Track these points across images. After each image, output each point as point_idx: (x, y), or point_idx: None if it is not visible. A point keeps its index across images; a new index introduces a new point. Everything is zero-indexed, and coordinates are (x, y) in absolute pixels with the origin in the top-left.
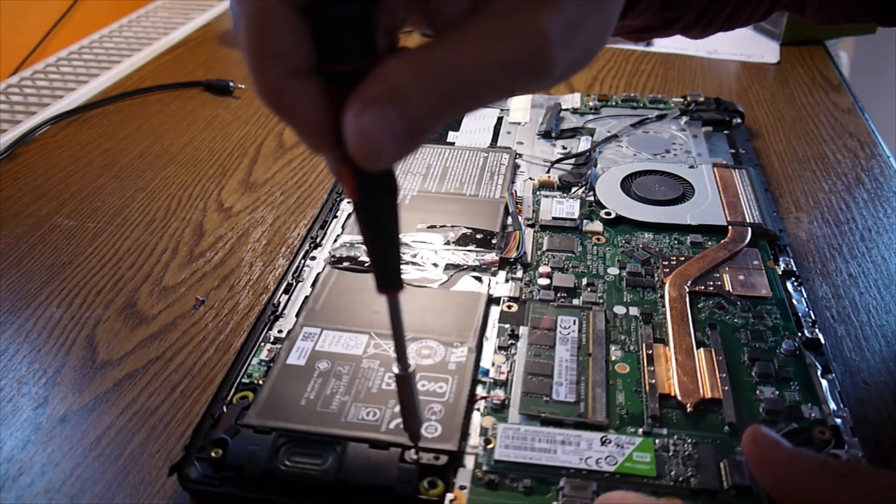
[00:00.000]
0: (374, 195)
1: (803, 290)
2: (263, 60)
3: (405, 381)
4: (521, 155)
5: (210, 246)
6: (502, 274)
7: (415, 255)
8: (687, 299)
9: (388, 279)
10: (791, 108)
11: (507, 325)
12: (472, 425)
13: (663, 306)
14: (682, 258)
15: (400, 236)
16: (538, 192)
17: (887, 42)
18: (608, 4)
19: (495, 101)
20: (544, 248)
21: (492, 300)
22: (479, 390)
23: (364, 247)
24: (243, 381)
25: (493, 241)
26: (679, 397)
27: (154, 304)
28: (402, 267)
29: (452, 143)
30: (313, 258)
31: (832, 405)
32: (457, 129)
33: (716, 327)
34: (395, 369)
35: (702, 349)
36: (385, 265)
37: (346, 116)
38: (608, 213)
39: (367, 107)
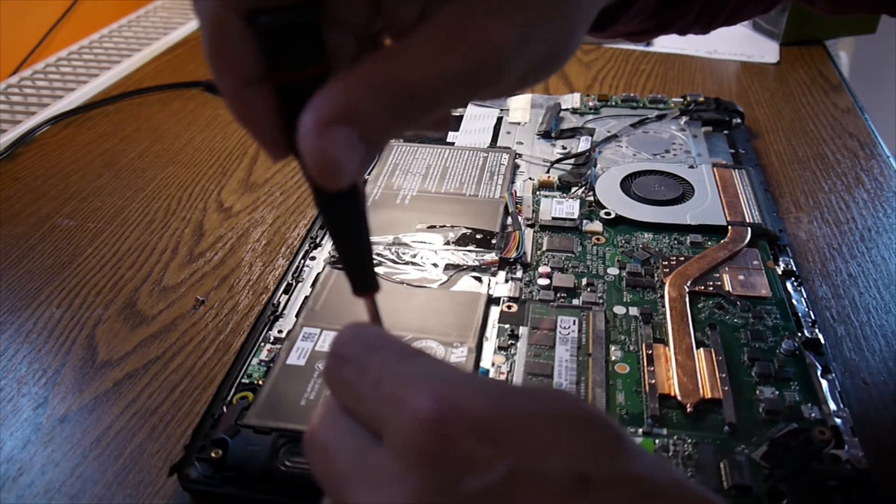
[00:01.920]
0: (337, 202)
1: (803, 290)
2: (218, 68)
3: None
4: (520, 155)
5: (210, 246)
6: (502, 274)
7: (415, 255)
8: (687, 299)
9: (363, 282)
10: (791, 108)
11: (506, 326)
12: None
13: (663, 306)
14: (682, 258)
15: (370, 238)
16: (538, 192)
17: (887, 42)
18: (569, 12)
19: (451, 108)
20: (544, 248)
21: (491, 300)
22: None
23: (336, 248)
24: (243, 381)
25: (493, 241)
26: (679, 397)
27: (154, 304)
28: (401, 266)
29: (452, 144)
30: (313, 258)
31: (832, 405)
32: (457, 129)
33: (715, 327)
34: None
35: (702, 349)
36: (358, 268)
37: (303, 137)
38: (608, 213)
39: (323, 127)
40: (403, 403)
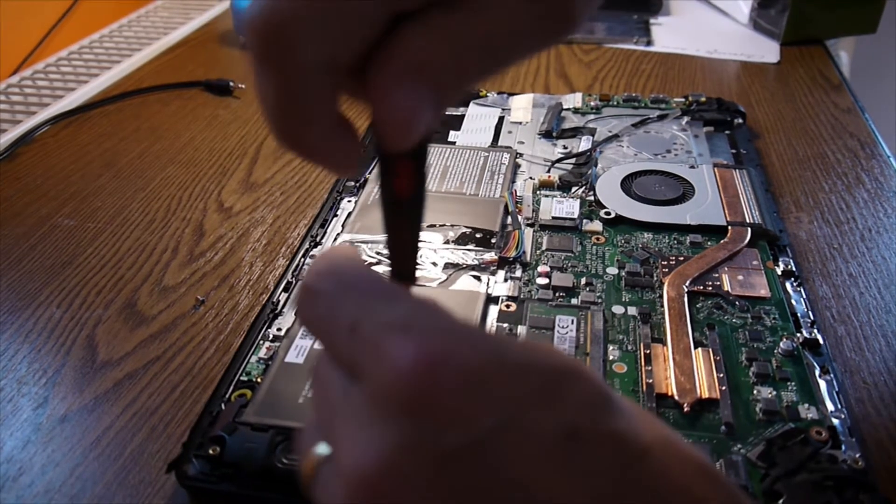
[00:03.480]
0: (424, 187)
1: (803, 290)
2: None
3: None
4: (521, 154)
5: (210, 246)
6: (501, 273)
7: None
8: (685, 299)
9: (405, 274)
10: (791, 108)
11: (505, 325)
12: None
13: (662, 306)
14: (682, 258)
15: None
16: (538, 192)
17: (887, 42)
18: None
19: (522, 60)
20: (543, 248)
21: (490, 299)
22: None
23: (390, 243)
24: (242, 378)
25: (493, 241)
26: (676, 397)
27: (154, 304)
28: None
29: (453, 143)
30: (313, 256)
31: (830, 405)
32: (457, 128)
33: (714, 327)
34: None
35: (700, 349)
36: (409, 255)
37: (376, 94)
38: (608, 213)
39: (396, 85)
40: (383, 353)
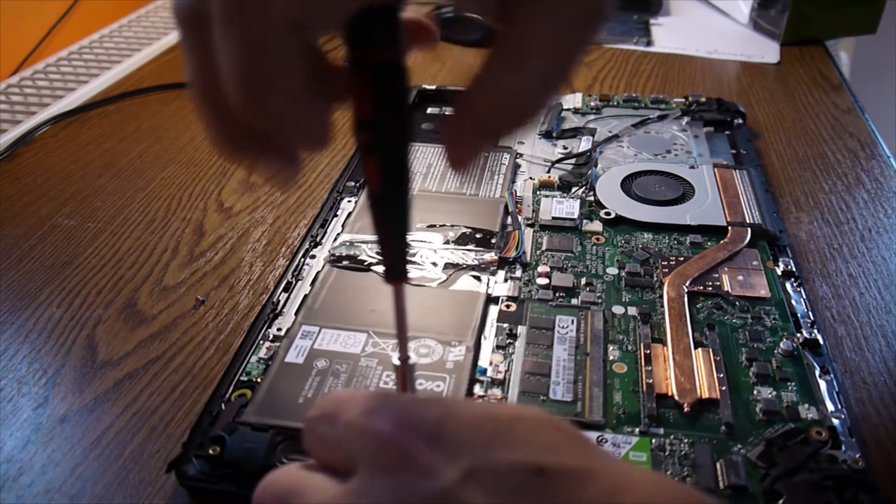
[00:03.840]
0: (397, 185)
1: (803, 290)
2: (266, 88)
3: (404, 371)
4: (521, 154)
5: (210, 246)
6: (501, 273)
7: (414, 254)
8: (686, 299)
9: (397, 270)
10: (791, 108)
11: (505, 325)
12: None
13: (662, 306)
14: (682, 258)
15: (409, 231)
16: (538, 192)
17: (887, 42)
18: None
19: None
20: (543, 248)
21: (490, 299)
22: (477, 389)
23: (377, 239)
24: (242, 378)
25: (493, 241)
26: (676, 397)
27: (154, 304)
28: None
29: None
30: (313, 256)
31: (830, 405)
32: None
33: (714, 327)
34: (396, 360)
35: (700, 349)
36: (397, 256)
37: (449, 148)
38: (608, 213)
39: (464, 146)
40: (368, 431)
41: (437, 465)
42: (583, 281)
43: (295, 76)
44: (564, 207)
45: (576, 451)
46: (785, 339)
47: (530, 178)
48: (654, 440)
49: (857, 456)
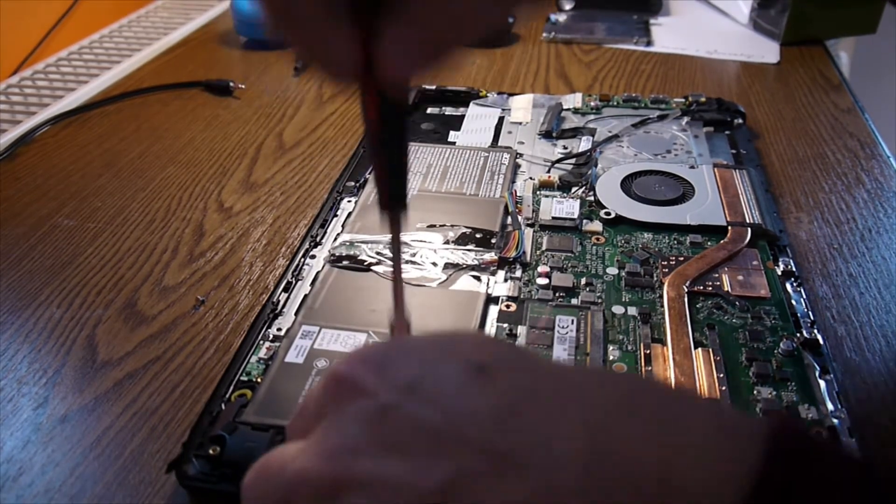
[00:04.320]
0: (397, 115)
1: (803, 290)
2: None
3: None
4: (521, 155)
5: (210, 246)
6: (501, 273)
7: (414, 254)
8: (685, 299)
9: (396, 194)
10: (791, 108)
11: (505, 325)
12: None
13: (662, 306)
14: (682, 258)
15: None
16: (538, 192)
17: (887, 42)
18: None
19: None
20: (543, 248)
21: (490, 299)
22: None
23: (372, 167)
24: (242, 378)
25: (493, 241)
26: None
27: (154, 304)
28: (401, 265)
29: (453, 143)
30: (313, 256)
31: (830, 405)
32: (457, 128)
33: (714, 327)
34: (389, 317)
35: (700, 349)
36: (396, 178)
37: (384, 54)
38: (608, 213)
39: (405, 47)
40: (325, 378)
41: (379, 385)
42: (583, 281)
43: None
44: (564, 207)
45: (521, 354)
46: (785, 339)
47: (530, 178)
48: None
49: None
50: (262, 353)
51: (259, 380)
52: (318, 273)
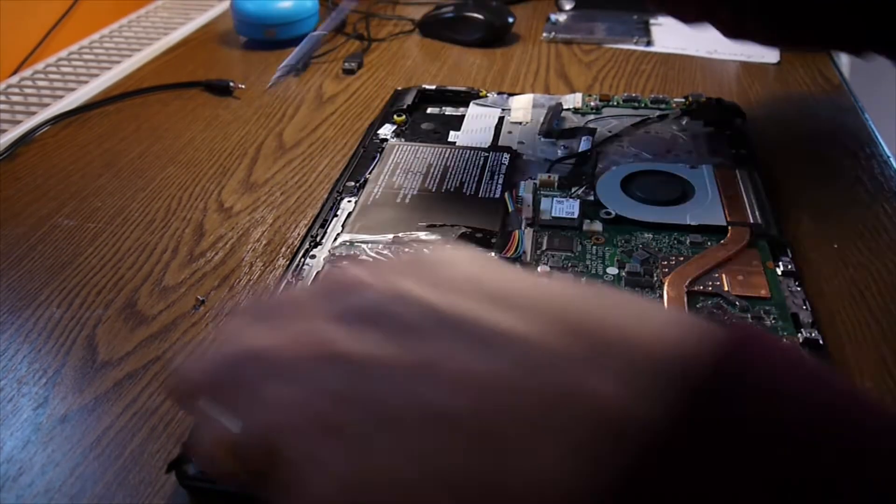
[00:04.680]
0: None
1: (802, 290)
2: None
3: None
4: (521, 155)
5: (210, 246)
6: None
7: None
8: (685, 299)
9: None
10: (791, 108)
11: None
12: None
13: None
14: (682, 258)
15: None
16: (538, 192)
17: None
18: None
19: None
20: (543, 248)
21: None
22: None
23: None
24: None
25: (493, 241)
26: None
27: (154, 304)
28: None
29: (453, 143)
30: (313, 256)
31: None
32: (457, 128)
33: None
34: None
35: None
36: None
37: None
38: (608, 213)
39: None
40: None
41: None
42: (583, 281)
43: None
44: (564, 207)
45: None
46: (785, 340)
47: (530, 178)
48: None
49: None
50: None
51: None
52: (318, 273)
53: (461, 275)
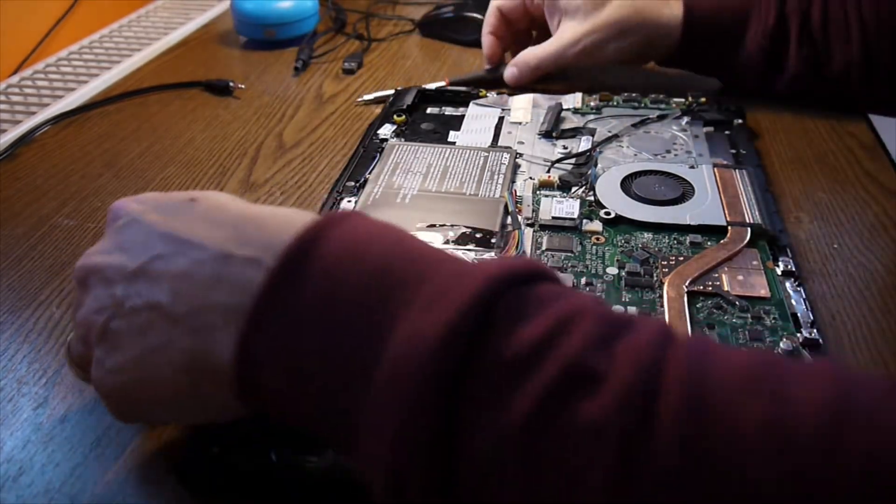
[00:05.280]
0: None
1: (802, 290)
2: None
3: None
4: (521, 154)
5: None
6: None
7: None
8: (685, 299)
9: None
10: (791, 108)
11: None
12: None
13: (662, 306)
14: (682, 258)
15: None
16: (538, 192)
17: None
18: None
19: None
20: (543, 248)
21: None
22: None
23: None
24: None
25: (493, 241)
26: None
27: None
28: None
29: (453, 143)
30: None
31: None
32: (457, 128)
33: (714, 327)
34: None
35: None
36: None
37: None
38: (608, 213)
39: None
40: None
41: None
42: (583, 281)
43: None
44: (564, 207)
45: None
46: (785, 339)
47: (530, 177)
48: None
49: None
50: None
51: None
52: None
53: (193, 206)
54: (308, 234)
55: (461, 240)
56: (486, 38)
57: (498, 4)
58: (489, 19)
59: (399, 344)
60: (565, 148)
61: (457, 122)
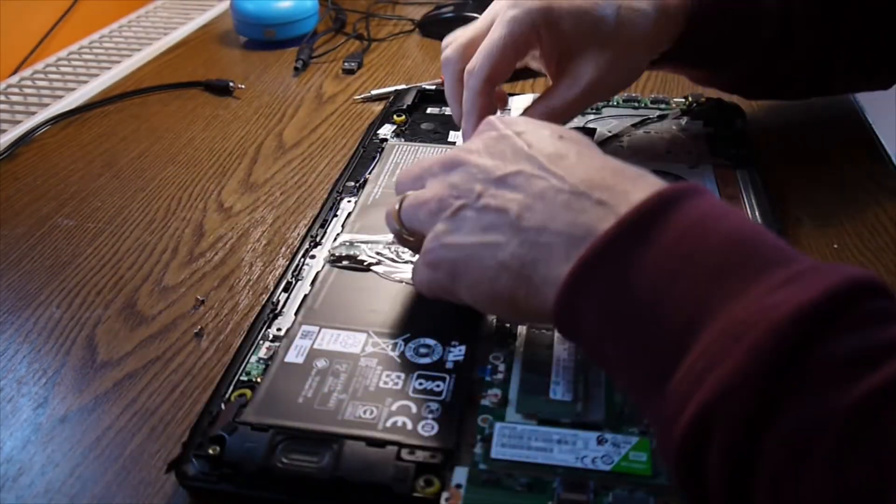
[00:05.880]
0: None
1: None
2: (491, 64)
3: None
4: None
5: (210, 246)
6: None
7: (414, 255)
8: None
9: None
10: (791, 108)
11: (507, 325)
12: (469, 424)
13: None
14: None
15: None
16: None
17: None
18: (632, 65)
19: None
20: None
21: None
22: (477, 389)
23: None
24: (242, 378)
25: None
26: None
27: (154, 304)
28: (401, 265)
29: (453, 143)
30: (313, 256)
31: None
32: (458, 128)
33: None
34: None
35: None
36: None
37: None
38: None
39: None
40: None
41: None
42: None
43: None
44: None
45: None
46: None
47: None
48: (654, 440)
49: None
50: (262, 353)
51: (259, 380)
52: (317, 273)
53: (559, 142)
54: (667, 195)
55: None
56: (455, 108)
57: (483, 77)
58: (454, 86)
59: (745, 308)
60: None
61: (455, 123)
